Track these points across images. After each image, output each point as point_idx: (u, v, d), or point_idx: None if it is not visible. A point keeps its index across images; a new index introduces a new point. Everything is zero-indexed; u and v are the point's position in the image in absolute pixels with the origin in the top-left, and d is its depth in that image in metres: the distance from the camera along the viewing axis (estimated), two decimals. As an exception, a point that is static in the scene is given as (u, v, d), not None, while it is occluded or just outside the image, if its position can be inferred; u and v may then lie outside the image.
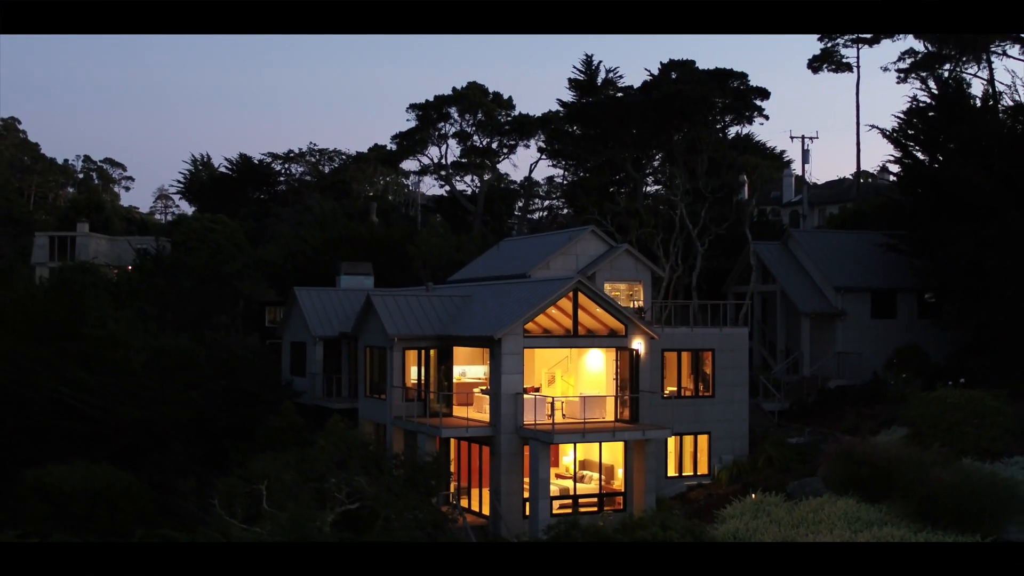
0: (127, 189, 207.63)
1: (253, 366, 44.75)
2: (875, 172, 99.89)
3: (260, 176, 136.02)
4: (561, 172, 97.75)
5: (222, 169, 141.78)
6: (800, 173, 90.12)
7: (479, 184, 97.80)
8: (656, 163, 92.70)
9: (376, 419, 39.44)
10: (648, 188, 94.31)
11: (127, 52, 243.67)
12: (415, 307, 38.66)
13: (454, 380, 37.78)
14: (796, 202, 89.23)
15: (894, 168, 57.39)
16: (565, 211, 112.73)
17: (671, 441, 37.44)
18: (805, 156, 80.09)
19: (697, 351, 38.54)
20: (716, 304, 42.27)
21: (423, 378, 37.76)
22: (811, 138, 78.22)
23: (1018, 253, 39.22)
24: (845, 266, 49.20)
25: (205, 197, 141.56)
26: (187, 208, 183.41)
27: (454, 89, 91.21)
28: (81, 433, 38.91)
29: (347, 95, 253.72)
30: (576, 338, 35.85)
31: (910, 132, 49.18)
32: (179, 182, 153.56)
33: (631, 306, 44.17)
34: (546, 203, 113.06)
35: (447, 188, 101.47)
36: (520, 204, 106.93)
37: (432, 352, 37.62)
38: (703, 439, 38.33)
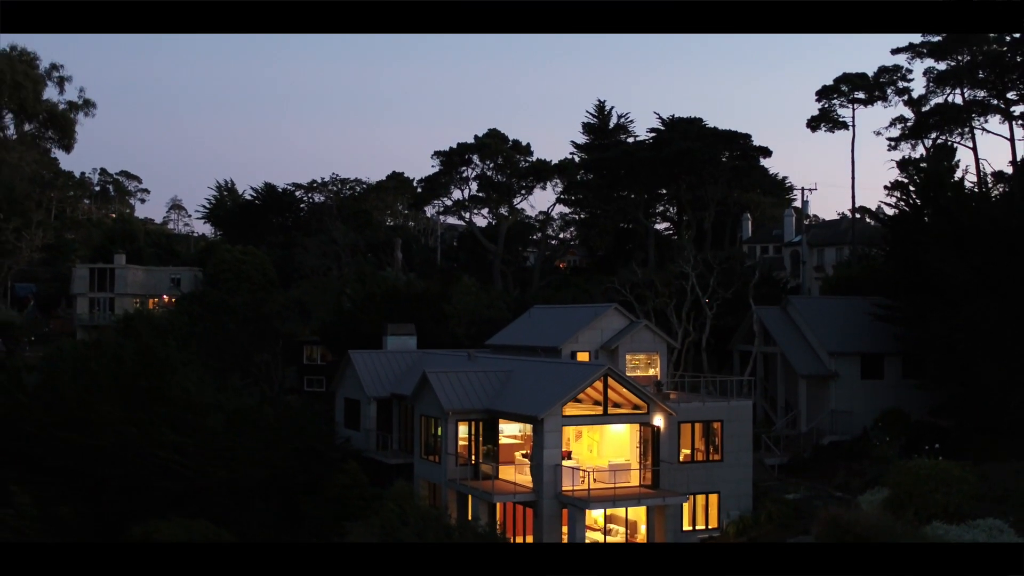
0: (142, 201, 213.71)
1: (318, 427, 50.90)
2: (873, 209, 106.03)
3: (284, 204, 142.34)
4: (577, 215, 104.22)
5: (247, 195, 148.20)
6: (801, 213, 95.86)
7: (495, 219, 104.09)
8: (662, 207, 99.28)
9: (431, 479, 45.60)
10: (657, 226, 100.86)
11: (137, 58, 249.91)
12: (464, 382, 44.78)
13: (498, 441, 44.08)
14: (796, 242, 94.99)
15: (883, 218, 63.62)
16: (575, 242, 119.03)
17: (686, 499, 43.64)
18: (804, 207, 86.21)
19: (708, 422, 44.71)
20: (725, 380, 48.41)
21: (473, 445, 43.89)
22: (810, 189, 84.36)
23: (985, 337, 45.42)
24: (837, 331, 55.33)
25: (230, 223, 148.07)
26: (199, 221, 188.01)
27: (476, 137, 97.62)
28: (176, 491, 45.05)
29: (364, 122, 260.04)
30: (606, 416, 42.07)
31: (894, 216, 55.24)
32: (204, 207, 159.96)
33: (649, 373, 50.44)
34: (561, 235, 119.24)
35: (467, 225, 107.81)
36: (537, 236, 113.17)
37: (480, 423, 43.80)
38: (713, 497, 44.48)
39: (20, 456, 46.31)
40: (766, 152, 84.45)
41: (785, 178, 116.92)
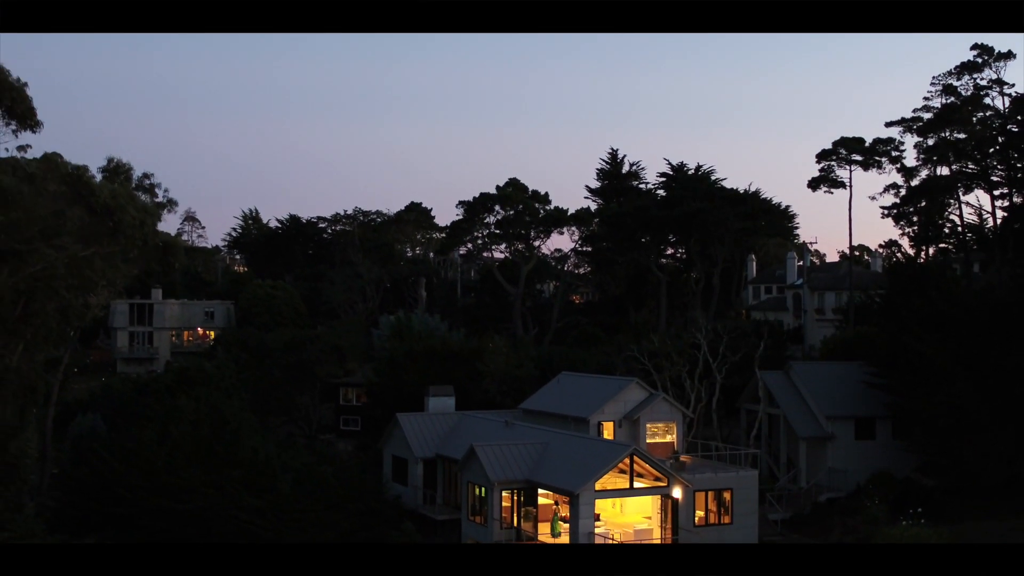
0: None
1: (372, 485, 57.35)
2: (873, 249, 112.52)
3: (307, 235, 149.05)
4: (593, 260, 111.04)
5: (272, 224, 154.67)
6: (804, 257, 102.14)
7: (513, 255, 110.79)
8: (671, 250, 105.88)
9: (478, 539, 52.10)
10: (668, 265, 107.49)
11: (140, 61, 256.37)
12: (507, 454, 51.32)
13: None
14: (798, 285, 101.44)
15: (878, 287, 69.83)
16: (590, 278, 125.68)
17: (700, 557, 50.15)
18: (804, 256, 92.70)
19: (720, 490, 51.22)
20: (735, 452, 54.90)
21: (515, 509, 50.38)
22: (811, 243, 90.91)
23: (962, 413, 51.95)
24: (834, 396, 61.81)
25: (255, 252, 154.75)
26: (213, 233, 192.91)
27: (497, 187, 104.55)
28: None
29: (369, 124, 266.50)
30: (631, 490, 48.66)
31: (885, 293, 61.74)
32: (229, 235, 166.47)
33: (667, 440, 56.99)
34: (576, 271, 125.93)
35: (488, 264, 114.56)
36: (555, 270, 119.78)
37: (521, 492, 50.31)
38: (724, 556, 50.97)
39: (115, 518, 52.76)
40: (771, 210, 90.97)
41: (788, 207, 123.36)
